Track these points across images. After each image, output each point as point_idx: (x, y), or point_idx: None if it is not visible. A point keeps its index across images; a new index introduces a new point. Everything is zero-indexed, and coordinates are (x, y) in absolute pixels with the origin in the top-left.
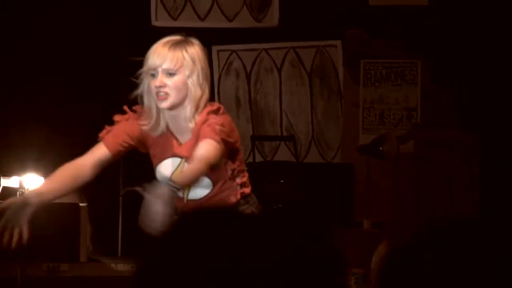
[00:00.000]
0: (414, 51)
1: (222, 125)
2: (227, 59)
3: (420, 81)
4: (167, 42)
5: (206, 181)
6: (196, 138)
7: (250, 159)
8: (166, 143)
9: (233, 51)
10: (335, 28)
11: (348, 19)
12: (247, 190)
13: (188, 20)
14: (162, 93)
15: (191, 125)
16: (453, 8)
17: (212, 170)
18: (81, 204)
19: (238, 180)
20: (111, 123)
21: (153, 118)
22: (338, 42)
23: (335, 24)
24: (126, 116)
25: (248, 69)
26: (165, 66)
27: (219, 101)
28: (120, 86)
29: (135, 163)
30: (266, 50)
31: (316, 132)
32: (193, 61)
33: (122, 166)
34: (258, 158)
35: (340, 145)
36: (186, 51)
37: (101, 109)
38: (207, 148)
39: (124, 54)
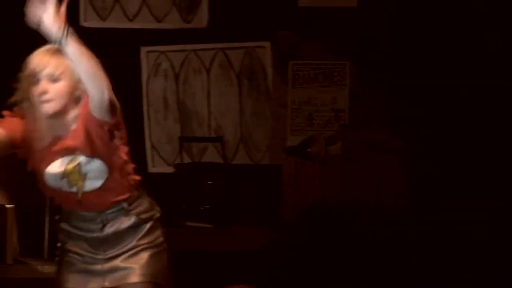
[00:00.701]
0: (343, 53)
1: None
2: (156, 60)
3: (349, 82)
4: (48, 49)
5: (97, 165)
6: (83, 125)
7: (178, 160)
8: (52, 149)
9: (161, 52)
10: (264, 29)
11: (277, 20)
12: (137, 177)
13: (117, 21)
14: (44, 99)
15: (74, 126)
16: (382, 9)
17: (105, 153)
18: (7, 206)
19: (128, 169)
20: None
21: (35, 126)
22: (267, 44)
23: (264, 25)
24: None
25: (177, 70)
26: (47, 71)
27: (148, 102)
28: None
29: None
30: (195, 51)
31: (244, 134)
32: (66, 66)
33: None
34: (186, 159)
35: (268, 147)
36: (61, 57)
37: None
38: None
39: None
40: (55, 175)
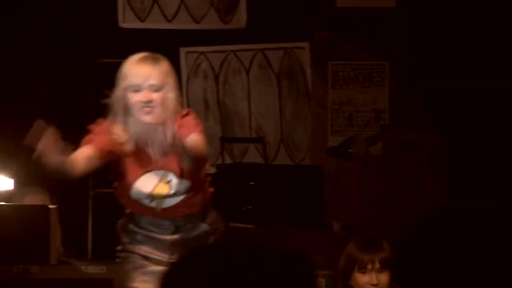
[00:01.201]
0: (382, 53)
1: (195, 119)
2: (195, 60)
3: (388, 83)
4: (145, 57)
5: (185, 184)
6: (175, 149)
7: (220, 161)
8: (140, 158)
9: (201, 52)
10: (303, 30)
11: (315, 21)
12: (211, 189)
13: (155, 22)
14: (147, 108)
15: (169, 138)
16: (421, 9)
17: (190, 173)
18: (50, 206)
19: (206, 185)
20: (80, 124)
21: (125, 132)
22: (305, 44)
23: (302, 25)
24: (100, 127)
25: (216, 70)
26: (151, 82)
27: (188, 103)
28: (88, 88)
29: (104, 165)
30: (234, 52)
31: (284, 134)
32: (171, 76)
33: None
34: (228, 160)
35: (309, 147)
36: (163, 66)
37: (70, 110)
38: (196, 138)
39: (92, 56)
40: (142, 193)
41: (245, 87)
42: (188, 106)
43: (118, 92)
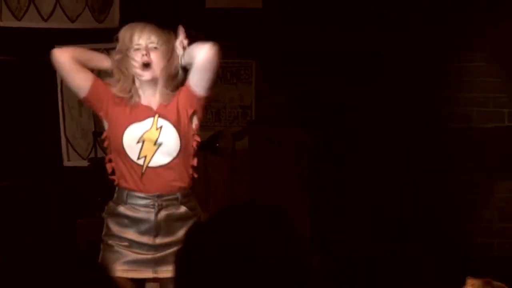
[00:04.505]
0: (248, 52)
1: None
2: None
3: (254, 80)
4: (146, 23)
5: (176, 141)
6: (176, 100)
7: (92, 154)
8: (133, 110)
9: None
10: (173, 29)
11: (186, 21)
12: (196, 175)
13: (32, 21)
14: (146, 61)
15: (165, 95)
16: (286, 10)
17: (183, 133)
18: None
19: (195, 161)
20: None
21: (128, 84)
22: None
23: (173, 25)
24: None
25: None
26: (149, 41)
27: (63, 99)
28: None
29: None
30: (107, 50)
31: None
32: (166, 37)
33: None
34: (100, 153)
35: None
36: (164, 30)
37: None
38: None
39: None
40: (135, 134)
41: None
42: (63, 102)
43: (118, 54)
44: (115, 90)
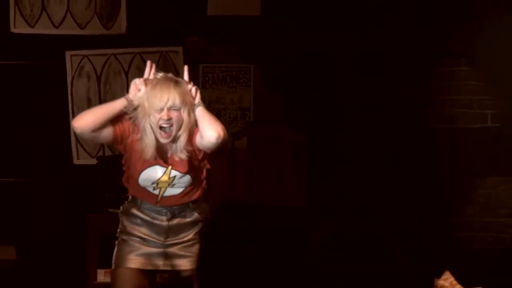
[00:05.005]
0: (247, 57)
1: None
2: (79, 63)
3: (253, 83)
4: (169, 79)
5: (189, 180)
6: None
7: (101, 153)
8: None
9: (84, 55)
10: (177, 36)
11: (188, 28)
12: (204, 189)
13: (44, 28)
14: (167, 127)
15: (183, 151)
16: (282, 18)
17: (195, 170)
18: None
19: (204, 180)
20: None
21: (152, 144)
22: (179, 48)
23: (176, 32)
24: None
25: (99, 72)
26: (171, 103)
27: (72, 101)
28: None
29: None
30: (114, 55)
31: None
32: (186, 97)
33: None
34: (108, 152)
35: None
36: (182, 88)
37: None
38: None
39: None
40: (149, 180)
41: (125, 87)
42: (73, 104)
43: (143, 113)
44: (146, 152)
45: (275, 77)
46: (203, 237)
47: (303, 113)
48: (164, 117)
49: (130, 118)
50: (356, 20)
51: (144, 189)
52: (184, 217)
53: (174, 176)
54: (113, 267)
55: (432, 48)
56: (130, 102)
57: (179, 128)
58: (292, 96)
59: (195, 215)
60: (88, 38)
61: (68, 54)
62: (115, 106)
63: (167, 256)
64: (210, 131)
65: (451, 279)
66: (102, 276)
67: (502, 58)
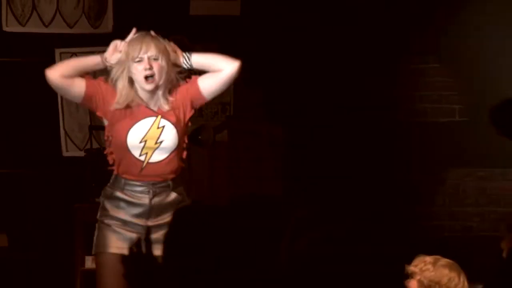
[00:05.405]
0: (227, 54)
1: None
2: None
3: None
4: (146, 34)
5: (174, 138)
6: (182, 97)
7: (88, 146)
8: (135, 111)
9: (73, 53)
10: (160, 34)
11: (172, 26)
12: (183, 164)
13: (34, 27)
14: (150, 76)
15: (165, 100)
16: (261, 17)
17: (181, 130)
18: None
19: (185, 153)
20: None
21: (125, 96)
22: None
23: (160, 30)
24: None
25: None
26: (151, 53)
27: (61, 96)
28: None
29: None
30: (102, 52)
31: None
32: (163, 46)
33: None
34: (95, 145)
35: None
36: (159, 40)
37: None
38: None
39: None
40: (138, 134)
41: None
42: (62, 99)
43: (120, 65)
44: (118, 98)
45: (254, 74)
46: (183, 224)
47: (280, 108)
48: (146, 66)
49: (106, 79)
50: (327, 20)
51: (130, 156)
52: (164, 197)
53: (163, 126)
54: (94, 250)
55: (402, 47)
56: (103, 60)
57: (161, 77)
58: (270, 92)
59: (174, 195)
60: (76, 37)
61: (57, 51)
62: (88, 59)
63: (148, 241)
64: (223, 62)
65: (421, 265)
66: (89, 262)
67: (469, 55)
